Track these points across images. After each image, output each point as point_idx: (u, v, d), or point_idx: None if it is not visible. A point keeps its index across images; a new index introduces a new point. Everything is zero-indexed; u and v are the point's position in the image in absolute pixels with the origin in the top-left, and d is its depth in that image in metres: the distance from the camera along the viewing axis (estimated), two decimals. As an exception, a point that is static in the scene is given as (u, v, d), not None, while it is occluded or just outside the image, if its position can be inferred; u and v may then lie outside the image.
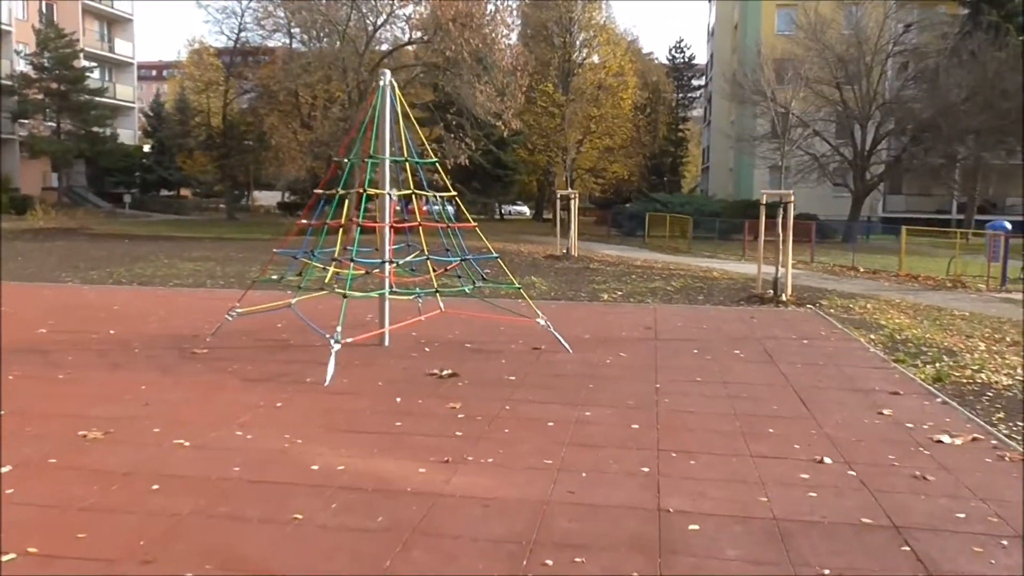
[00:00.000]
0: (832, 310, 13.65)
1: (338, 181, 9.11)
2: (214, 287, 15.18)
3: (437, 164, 10.13)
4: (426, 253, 8.88)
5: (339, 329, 7.69)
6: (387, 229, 8.71)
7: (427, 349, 9.02)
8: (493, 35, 34.24)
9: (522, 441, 5.72)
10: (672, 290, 16.74)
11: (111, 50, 63.00)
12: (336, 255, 8.33)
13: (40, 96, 50.42)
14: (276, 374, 7.72)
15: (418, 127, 9.98)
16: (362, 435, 5.85)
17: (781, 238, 14.68)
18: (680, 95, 74.91)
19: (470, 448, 5.54)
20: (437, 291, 8.52)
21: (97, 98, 53.54)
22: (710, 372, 8.11)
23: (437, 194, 9.23)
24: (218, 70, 53.13)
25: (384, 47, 38.85)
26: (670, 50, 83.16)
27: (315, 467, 5.13)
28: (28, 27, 51.55)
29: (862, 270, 22.47)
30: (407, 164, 8.94)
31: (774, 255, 14.90)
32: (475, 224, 9.21)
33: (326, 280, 8.34)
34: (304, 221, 9.17)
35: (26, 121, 50.88)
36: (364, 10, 35.22)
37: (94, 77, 55.99)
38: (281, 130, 41.73)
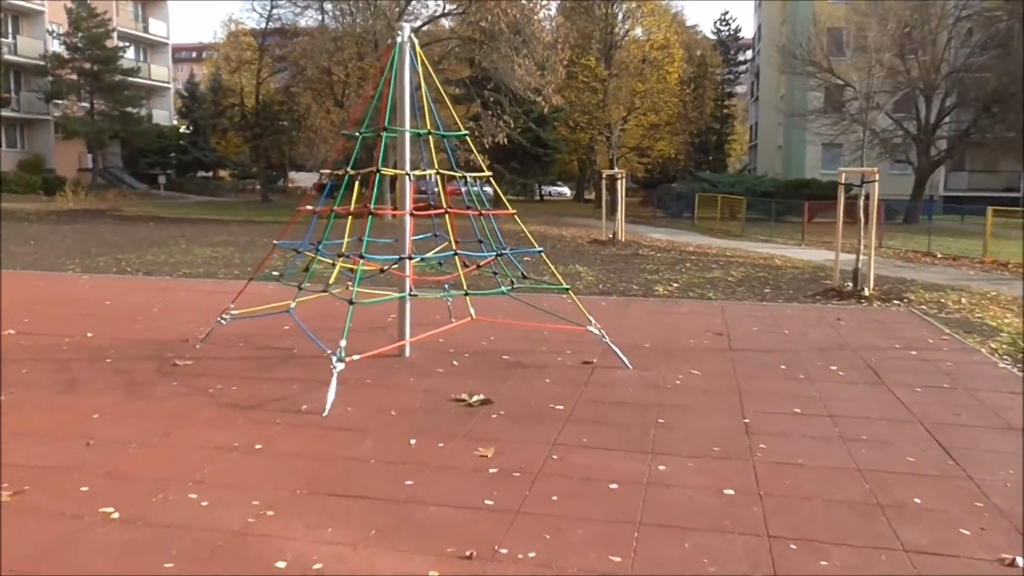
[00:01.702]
0: (924, 307, 11.84)
1: (350, 160, 7.58)
2: (226, 278, 13.74)
3: (468, 138, 8.49)
4: (454, 247, 7.28)
5: (343, 344, 6.14)
6: (407, 217, 7.12)
7: (455, 363, 7.45)
8: (532, 5, 32.38)
9: (577, 517, 4.12)
10: (734, 281, 15.00)
11: (145, 30, 62.17)
12: (343, 250, 6.76)
13: (73, 76, 49.61)
14: (265, 398, 6.20)
15: (446, 96, 8.38)
16: (357, 502, 4.29)
17: (863, 223, 12.90)
18: (725, 70, 72.22)
19: (504, 530, 3.95)
20: (467, 293, 6.91)
21: (130, 78, 52.64)
22: (809, 400, 6.42)
23: (468, 175, 7.61)
24: (252, 49, 51.99)
25: (418, 23, 37.20)
26: (715, 23, 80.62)
27: (281, 564, 3.59)
28: (61, 7, 50.69)
29: (940, 256, 20.45)
30: (431, 138, 7.33)
31: (839, 240, 13.19)
32: (514, 211, 7.59)
33: (330, 280, 6.78)
34: (309, 207, 7.63)
35: (60, 102, 50.18)
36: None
37: (127, 57, 55.17)
38: (314, 109, 40.44)
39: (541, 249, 7.56)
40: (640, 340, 8.61)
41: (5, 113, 48.10)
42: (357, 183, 7.04)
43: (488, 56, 32.48)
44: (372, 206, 6.75)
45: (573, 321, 7.75)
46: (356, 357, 6.21)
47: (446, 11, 35.28)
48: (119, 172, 56.24)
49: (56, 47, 50.04)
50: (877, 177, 12.55)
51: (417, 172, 7.44)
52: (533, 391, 6.51)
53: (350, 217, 6.77)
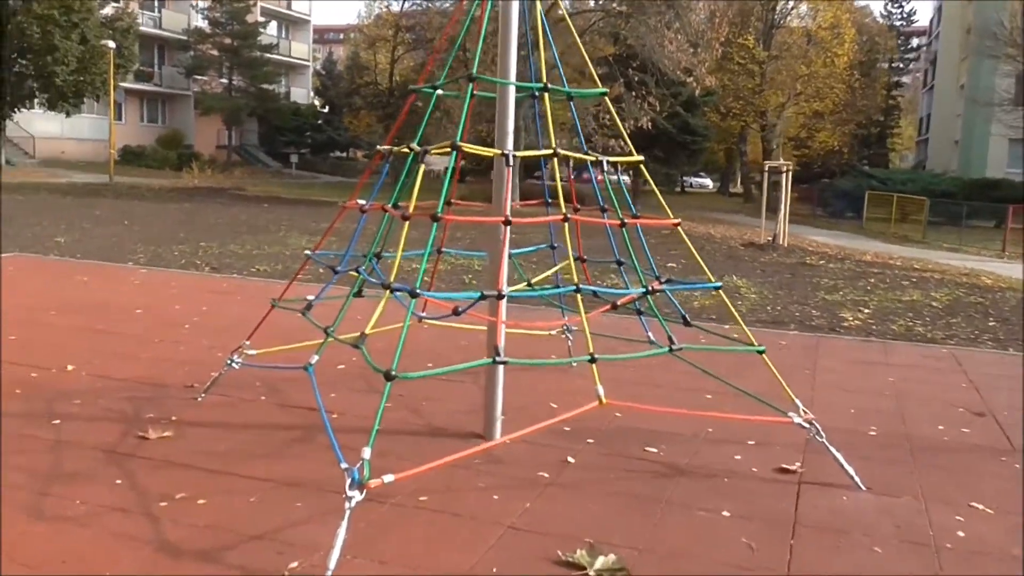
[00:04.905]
0: None
1: (417, 130, 4.95)
2: (303, 279, 11.37)
3: (610, 110, 5.65)
4: (575, 279, 4.42)
5: (365, 456, 3.44)
6: (503, 225, 4.30)
7: (570, 459, 4.66)
8: (687, -26, 29.02)
9: None
10: (940, 308, 11.62)
11: (288, 7, 62.02)
12: (391, 278, 4.06)
13: (214, 52, 49.62)
14: (239, 532, 3.60)
15: (581, 43, 5.55)
16: None
17: None
18: (895, 56, 66.02)
19: None
20: (594, 359, 4.04)
21: (268, 55, 52.31)
22: None
23: (604, 158, 4.81)
24: (390, 25, 50.67)
25: (561, -7, 34.40)
26: (885, 5, 74.29)
27: None
28: (206, -19, 50.77)
29: None
30: (545, 95, 4.55)
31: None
32: (678, 221, 4.67)
33: (368, 327, 4.11)
34: (360, 202, 5.03)
35: (200, 77, 50.30)
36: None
37: (269, 33, 54.93)
38: (449, 86, 38.42)
39: (719, 284, 4.65)
40: (858, 421, 5.60)
41: (147, 87, 48.49)
42: (422, 168, 4.36)
43: (635, 31, 29.32)
44: (440, 208, 4.07)
45: (769, 403, 4.76)
46: (388, 479, 3.48)
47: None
48: (255, 150, 56.24)
49: (199, 21, 50.12)
50: None
51: (526, 152, 4.69)
52: (703, 543, 3.66)
53: (407, 223, 4.09)
